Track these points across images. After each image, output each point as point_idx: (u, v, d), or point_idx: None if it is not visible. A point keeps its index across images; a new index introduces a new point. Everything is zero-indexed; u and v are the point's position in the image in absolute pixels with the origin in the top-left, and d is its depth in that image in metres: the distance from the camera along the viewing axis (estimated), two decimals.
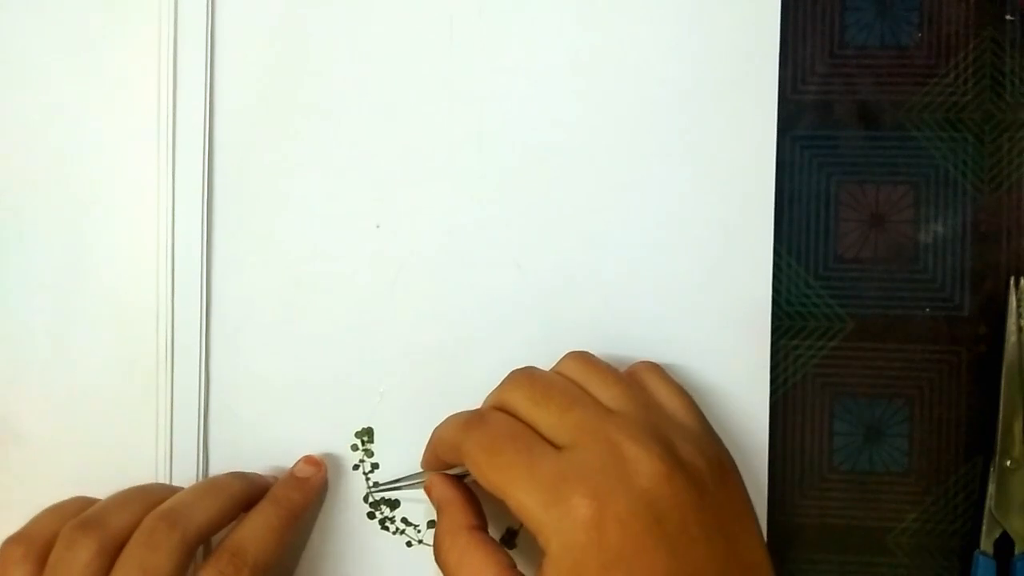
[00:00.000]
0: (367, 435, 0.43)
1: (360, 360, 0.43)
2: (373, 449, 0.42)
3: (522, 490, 0.33)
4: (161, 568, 0.36)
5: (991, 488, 0.41)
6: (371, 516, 0.42)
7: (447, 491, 0.37)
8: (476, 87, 0.43)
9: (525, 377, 0.37)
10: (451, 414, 0.38)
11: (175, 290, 0.43)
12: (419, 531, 0.42)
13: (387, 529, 0.42)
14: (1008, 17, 0.43)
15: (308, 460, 0.42)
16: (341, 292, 0.43)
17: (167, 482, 0.43)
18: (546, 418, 0.35)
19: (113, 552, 0.36)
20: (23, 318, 0.44)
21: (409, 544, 0.42)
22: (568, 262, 0.43)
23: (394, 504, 0.42)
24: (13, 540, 0.38)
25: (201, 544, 0.38)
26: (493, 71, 0.43)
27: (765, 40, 0.43)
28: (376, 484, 0.42)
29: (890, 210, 0.43)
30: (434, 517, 0.37)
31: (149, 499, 0.39)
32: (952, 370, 0.43)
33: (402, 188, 0.43)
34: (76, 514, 0.38)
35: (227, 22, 0.43)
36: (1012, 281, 0.42)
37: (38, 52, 0.44)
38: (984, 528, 0.41)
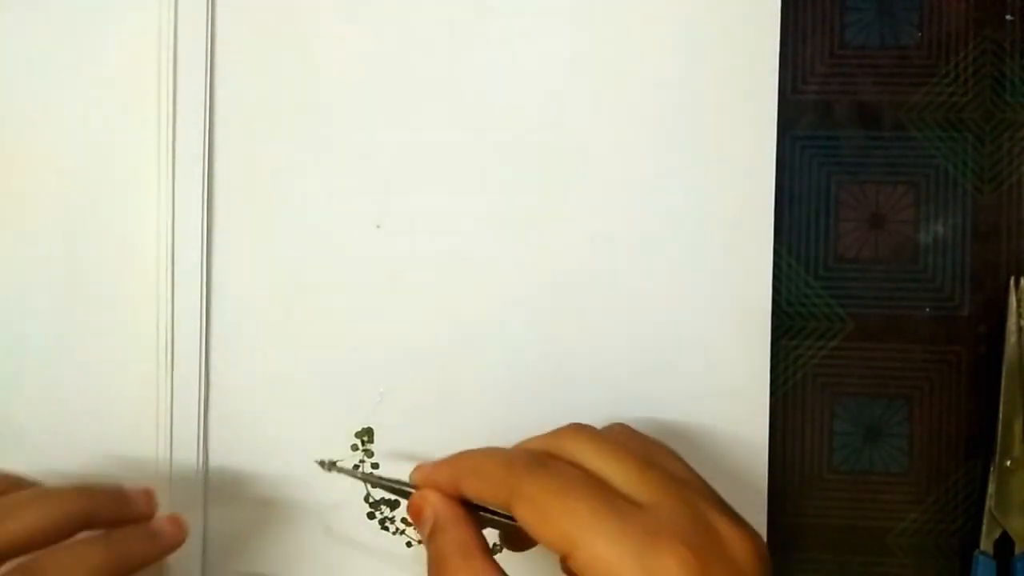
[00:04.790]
0: (367, 435, 0.42)
1: (360, 360, 0.43)
2: (373, 449, 0.42)
3: (605, 539, 0.30)
4: None
5: (991, 488, 0.41)
6: (371, 516, 0.42)
7: (450, 508, 0.34)
8: (476, 87, 0.43)
9: (588, 429, 0.35)
10: (480, 448, 0.35)
11: (175, 291, 0.43)
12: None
13: (387, 529, 0.42)
14: (1008, 17, 0.43)
15: (173, 519, 0.38)
16: (341, 292, 0.43)
17: (168, 483, 0.43)
18: (623, 473, 0.33)
19: None
20: (23, 318, 0.44)
21: (409, 544, 0.42)
22: (568, 262, 0.43)
23: (394, 504, 0.42)
24: None
25: (10, 557, 0.34)
26: (493, 71, 0.43)
27: (765, 40, 0.43)
28: (334, 465, 0.41)
29: (890, 210, 0.43)
30: None
31: None
32: (952, 370, 0.43)
33: (402, 188, 0.43)
34: None
35: (227, 22, 0.43)
36: (1012, 281, 0.42)
37: (38, 52, 0.44)
38: (984, 528, 0.41)
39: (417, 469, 0.36)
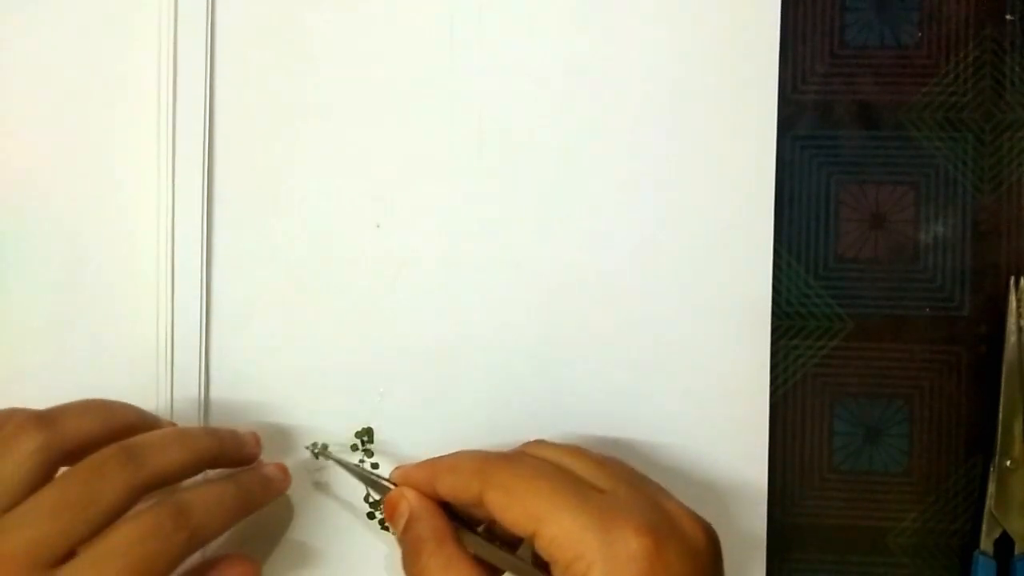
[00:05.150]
0: (367, 435, 0.43)
1: (360, 360, 0.43)
2: (373, 449, 0.42)
3: (569, 514, 0.33)
4: (105, 497, 0.34)
5: (991, 488, 0.41)
6: (371, 516, 0.42)
7: (426, 502, 0.37)
8: (476, 87, 0.43)
9: (548, 441, 0.38)
10: (456, 451, 0.38)
11: (175, 290, 0.43)
12: None
13: (387, 529, 0.42)
14: (1008, 17, 0.43)
15: (280, 467, 0.41)
16: (341, 292, 0.43)
17: None
18: (584, 467, 0.36)
19: (57, 454, 0.35)
20: (23, 318, 0.44)
21: None
22: (568, 262, 0.43)
23: None
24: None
25: (153, 489, 0.36)
26: (493, 71, 0.43)
27: (765, 40, 0.43)
28: (324, 448, 0.42)
29: (890, 210, 0.43)
30: None
31: (110, 415, 0.38)
32: (952, 370, 0.43)
33: (402, 188, 0.43)
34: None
35: (227, 22, 0.43)
36: (1012, 281, 0.42)
37: (38, 52, 0.44)
38: (984, 528, 0.41)
39: (397, 469, 0.39)
